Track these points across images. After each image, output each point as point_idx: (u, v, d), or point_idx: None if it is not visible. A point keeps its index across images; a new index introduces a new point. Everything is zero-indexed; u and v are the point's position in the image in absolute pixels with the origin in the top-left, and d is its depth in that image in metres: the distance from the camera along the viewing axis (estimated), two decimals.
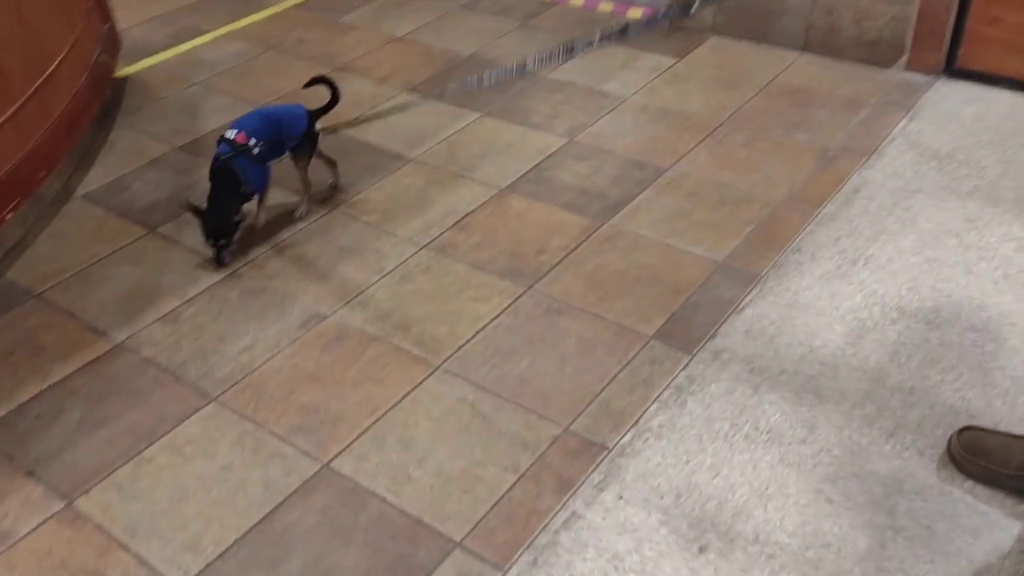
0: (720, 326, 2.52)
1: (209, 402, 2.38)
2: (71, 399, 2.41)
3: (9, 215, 2.81)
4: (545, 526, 2.03)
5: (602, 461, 2.17)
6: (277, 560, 1.98)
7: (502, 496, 2.10)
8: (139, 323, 2.64)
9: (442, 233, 2.96)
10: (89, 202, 3.19)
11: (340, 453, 2.22)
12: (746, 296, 2.61)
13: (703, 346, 2.46)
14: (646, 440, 2.22)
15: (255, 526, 2.05)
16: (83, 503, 2.12)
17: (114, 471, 2.19)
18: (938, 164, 3.10)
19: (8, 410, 2.38)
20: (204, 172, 2.87)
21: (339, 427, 2.29)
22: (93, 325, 2.65)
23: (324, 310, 2.67)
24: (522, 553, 1.97)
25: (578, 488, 2.11)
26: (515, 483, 2.13)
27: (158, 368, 2.49)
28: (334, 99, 3.11)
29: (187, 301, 2.72)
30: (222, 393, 2.40)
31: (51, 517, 2.10)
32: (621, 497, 2.09)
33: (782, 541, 1.95)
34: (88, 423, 2.33)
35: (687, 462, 2.16)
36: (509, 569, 1.94)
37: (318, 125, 3.04)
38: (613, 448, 2.20)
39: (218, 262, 2.82)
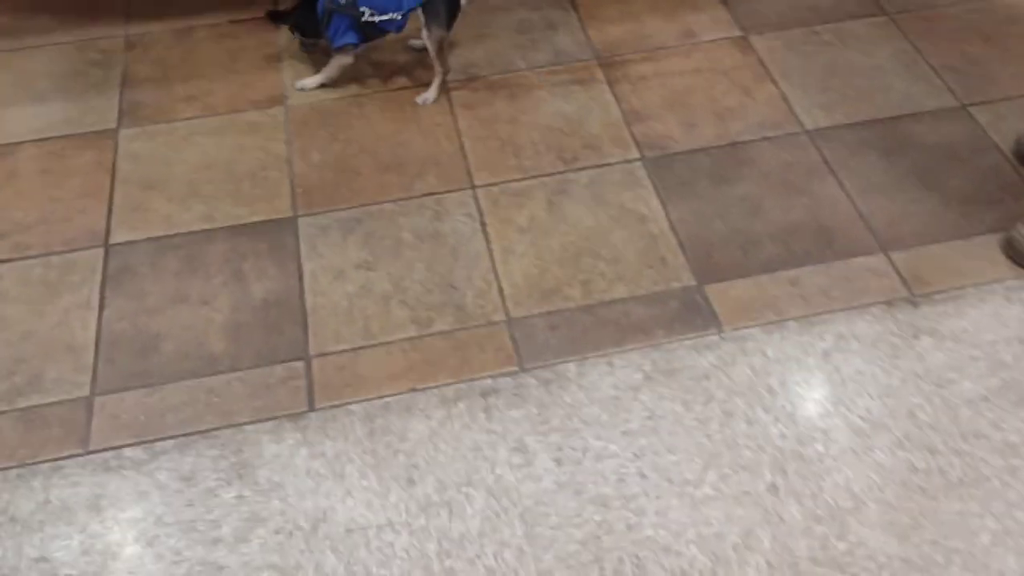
0: None
1: (883, 15, 2.55)
2: None
3: None
4: None
5: None
6: (891, 151, 2.20)
7: None
8: None
9: None
10: None
11: (981, 103, 2.30)
12: None
13: None
14: None
15: (878, 120, 2.27)
16: (755, 40, 2.50)
17: (788, 29, 2.53)
18: None
19: None
20: None
21: (991, 85, 2.34)
22: None
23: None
24: None
25: None
26: None
27: None
28: None
29: None
30: (898, 12, 2.56)
31: (728, 38, 2.52)
32: None
33: None
34: None
35: None
36: None
37: None
38: None
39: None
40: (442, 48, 2.34)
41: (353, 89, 2.42)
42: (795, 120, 2.28)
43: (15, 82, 2.46)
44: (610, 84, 2.40)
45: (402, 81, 2.44)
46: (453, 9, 2.31)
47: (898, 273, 1.94)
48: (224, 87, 2.44)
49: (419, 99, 2.40)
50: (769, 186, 2.14)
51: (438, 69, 2.38)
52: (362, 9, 2.28)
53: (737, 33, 2.53)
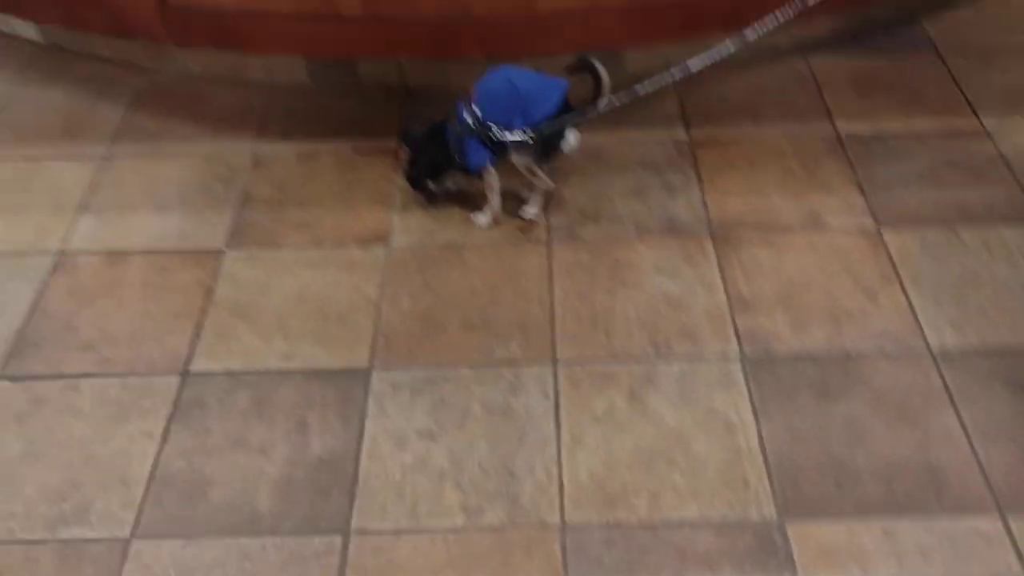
0: None
1: None
2: (921, 150, 2.54)
3: None
4: None
5: None
6: None
7: None
8: (1016, 121, 2.60)
9: None
10: None
11: None
12: None
13: None
14: None
15: (1016, 348, 2.02)
16: (888, 235, 2.30)
17: (926, 226, 2.32)
18: None
19: (870, 129, 2.62)
20: None
21: None
22: (972, 102, 2.69)
23: None
24: None
25: None
26: None
27: (1006, 166, 2.47)
28: (596, 95, 2.26)
29: None
30: None
31: (858, 229, 2.33)
32: None
33: None
34: (924, 178, 2.46)
35: None
36: None
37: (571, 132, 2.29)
38: None
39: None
40: (534, 171, 2.33)
41: (457, 235, 2.39)
42: (920, 335, 2.06)
43: (144, 187, 2.57)
44: (721, 264, 2.26)
45: (506, 232, 2.39)
46: (551, 144, 2.29)
47: (1014, 545, 1.68)
48: (334, 218, 2.46)
49: (522, 212, 2.40)
50: (879, 410, 1.92)
51: (537, 185, 2.37)
52: (490, 126, 2.27)
53: (869, 224, 2.34)
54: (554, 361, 2.06)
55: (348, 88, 2.91)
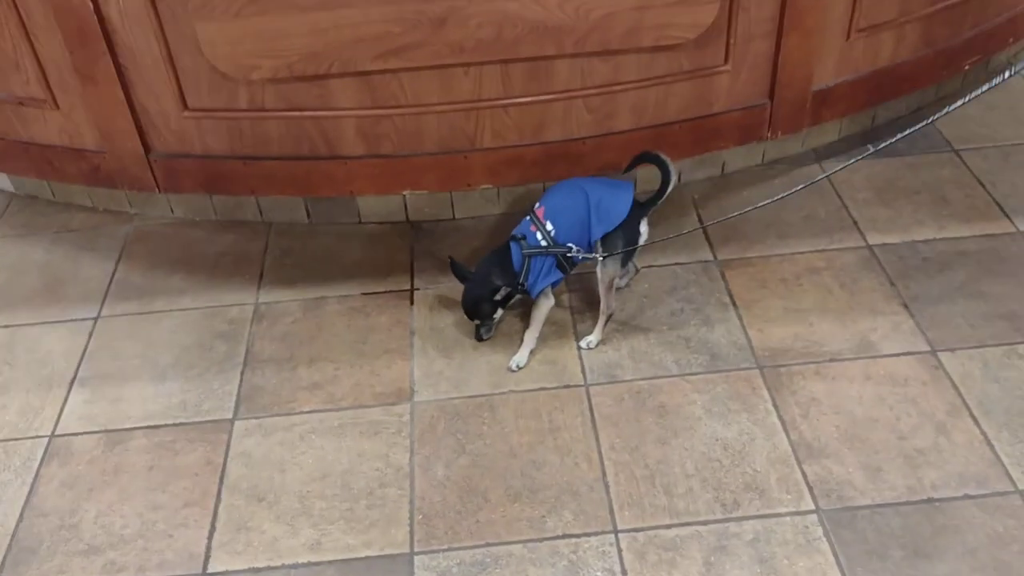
0: None
1: None
2: (960, 259, 2.44)
3: (968, 66, 2.83)
4: None
5: None
6: None
7: None
8: None
9: None
10: None
11: None
12: None
13: None
14: None
15: None
16: (946, 359, 2.18)
17: (983, 347, 2.20)
18: None
19: (902, 241, 2.52)
20: None
21: None
22: (1000, 202, 2.61)
23: None
24: None
25: None
26: None
27: None
28: (664, 184, 2.24)
29: None
30: None
31: (913, 353, 2.20)
32: None
33: None
34: (969, 289, 2.35)
35: None
36: None
37: (643, 224, 2.26)
38: None
39: (476, 338, 2.33)
40: (611, 286, 2.23)
41: (484, 384, 2.21)
42: (1003, 473, 1.92)
43: (139, 353, 2.36)
44: (775, 403, 2.11)
45: (537, 376, 2.22)
46: (631, 243, 2.23)
47: None
48: (349, 374, 2.27)
49: (583, 343, 2.28)
50: (976, 568, 1.75)
51: (603, 308, 2.25)
52: (569, 245, 2.19)
53: (924, 348, 2.21)
54: (615, 530, 1.87)
55: (350, 225, 2.75)
